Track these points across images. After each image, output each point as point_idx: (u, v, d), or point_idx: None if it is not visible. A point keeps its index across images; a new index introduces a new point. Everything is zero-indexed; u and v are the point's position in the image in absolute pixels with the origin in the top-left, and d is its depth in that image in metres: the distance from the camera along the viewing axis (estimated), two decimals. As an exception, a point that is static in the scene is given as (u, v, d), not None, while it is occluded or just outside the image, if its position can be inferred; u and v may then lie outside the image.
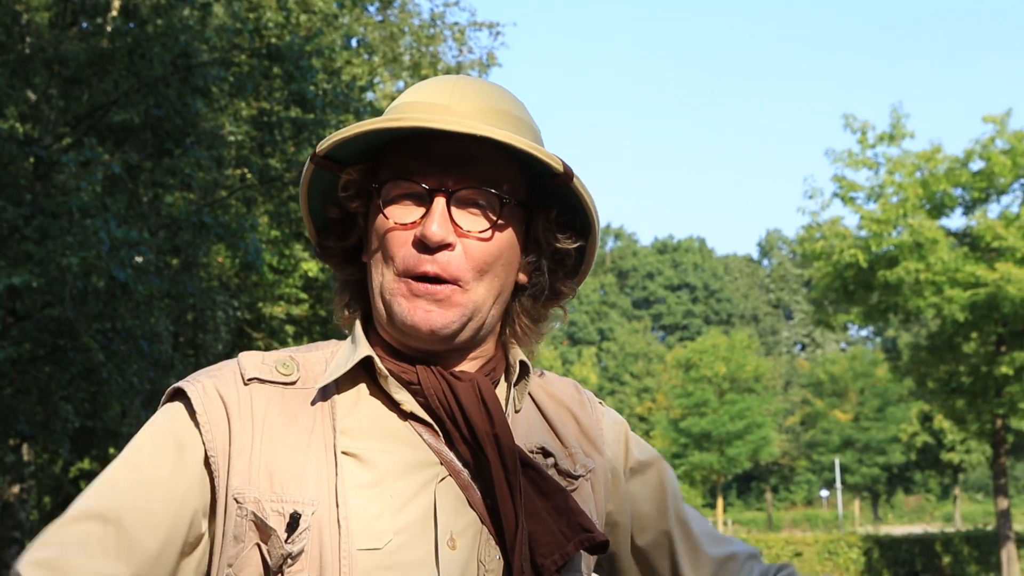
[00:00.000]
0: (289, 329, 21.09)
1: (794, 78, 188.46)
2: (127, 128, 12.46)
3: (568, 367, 73.39)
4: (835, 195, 33.20)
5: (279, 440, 1.75)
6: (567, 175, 1.79)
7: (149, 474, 1.73)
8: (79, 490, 21.11)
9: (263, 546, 1.70)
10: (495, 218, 1.78)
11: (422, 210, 1.76)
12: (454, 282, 1.75)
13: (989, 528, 37.88)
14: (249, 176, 17.31)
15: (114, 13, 14.01)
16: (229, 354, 20.11)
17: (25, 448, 15.58)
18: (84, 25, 13.27)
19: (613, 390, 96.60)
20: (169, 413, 1.79)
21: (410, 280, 1.75)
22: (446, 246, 1.74)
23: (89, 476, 21.28)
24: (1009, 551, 33.91)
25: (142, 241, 10.53)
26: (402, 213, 1.77)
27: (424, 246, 1.73)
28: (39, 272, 9.77)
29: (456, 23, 24.24)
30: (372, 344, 1.82)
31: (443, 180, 1.76)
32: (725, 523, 78.36)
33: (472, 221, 1.77)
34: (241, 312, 18.73)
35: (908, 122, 33.89)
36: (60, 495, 21.06)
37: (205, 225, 12.58)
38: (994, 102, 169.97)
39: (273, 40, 15.08)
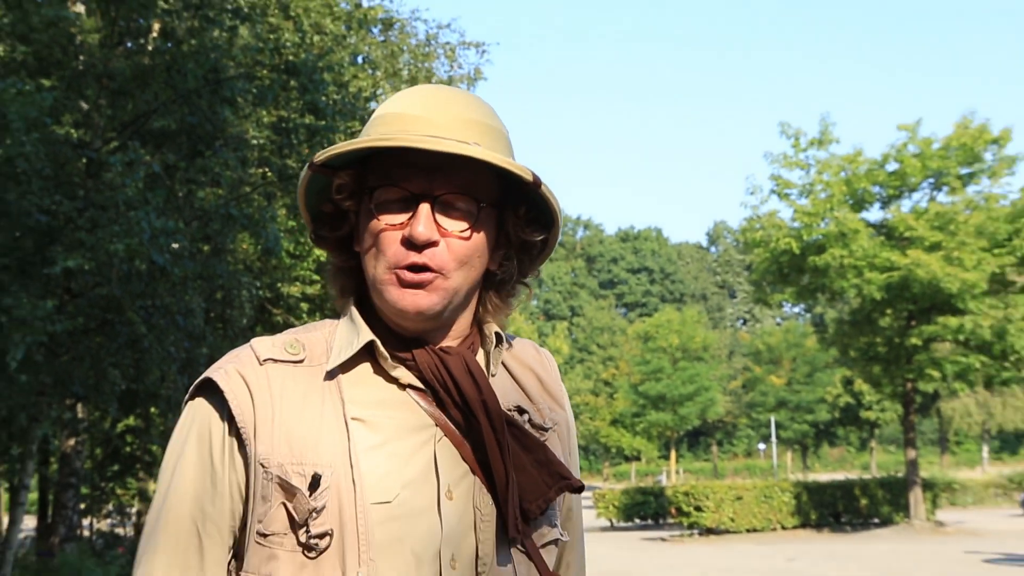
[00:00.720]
0: (304, 306, 21.08)
1: (740, 90, 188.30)
2: (165, 133, 12.44)
3: (544, 339, 73.29)
4: (772, 192, 33.25)
5: (295, 411, 1.76)
6: (535, 183, 1.81)
7: (204, 479, 1.78)
8: (125, 443, 21.21)
9: (288, 504, 1.72)
10: (473, 219, 1.79)
11: (409, 213, 1.77)
12: (438, 271, 1.77)
13: (899, 475, 37.96)
14: (269, 174, 17.29)
15: (154, 34, 13.98)
16: (252, 327, 20.16)
17: (79, 407, 15.56)
18: (129, 45, 13.23)
19: (582, 359, 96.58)
20: (198, 409, 1.82)
21: (399, 271, 1.76)
22: (431, 244, 1.76)
23: (134, 431, 21.26)
24: (916, 494, 34.06)
25: (178, 230, 10.52)
26: (391, 215, 1.78)
27: (412, 244, 1.75)
28: (90, 256, 9.77)
29: (448, 43, 24.20)
30: (370, 326, 1.84)
31: (427, 186, 1.77)
32: (678, 472, 78.46)
33: (453, 223, 1.78)
34: (263, 291, 18.72)
35: (834, 129, 33.97)
36: (109, 447, 21.02)
37: (232, 216, 12.56)
38: (907, 112, 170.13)
39: (290, 57, 15.05)
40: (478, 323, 1.93)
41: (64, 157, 10.72)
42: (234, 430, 1.77)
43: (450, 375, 1.82)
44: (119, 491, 21.46)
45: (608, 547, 29.78)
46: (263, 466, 1.73)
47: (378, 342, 1.81)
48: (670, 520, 38.04)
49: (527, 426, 1.89)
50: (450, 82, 23.78)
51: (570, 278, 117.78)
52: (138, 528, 21.80)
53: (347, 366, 1.83)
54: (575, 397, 78.38)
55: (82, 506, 18.62)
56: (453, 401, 1.82)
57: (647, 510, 40.72)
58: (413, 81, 23.11)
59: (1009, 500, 48.69)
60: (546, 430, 1.94)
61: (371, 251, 1.80)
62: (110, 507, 21.20)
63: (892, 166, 32.53)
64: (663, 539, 33.63)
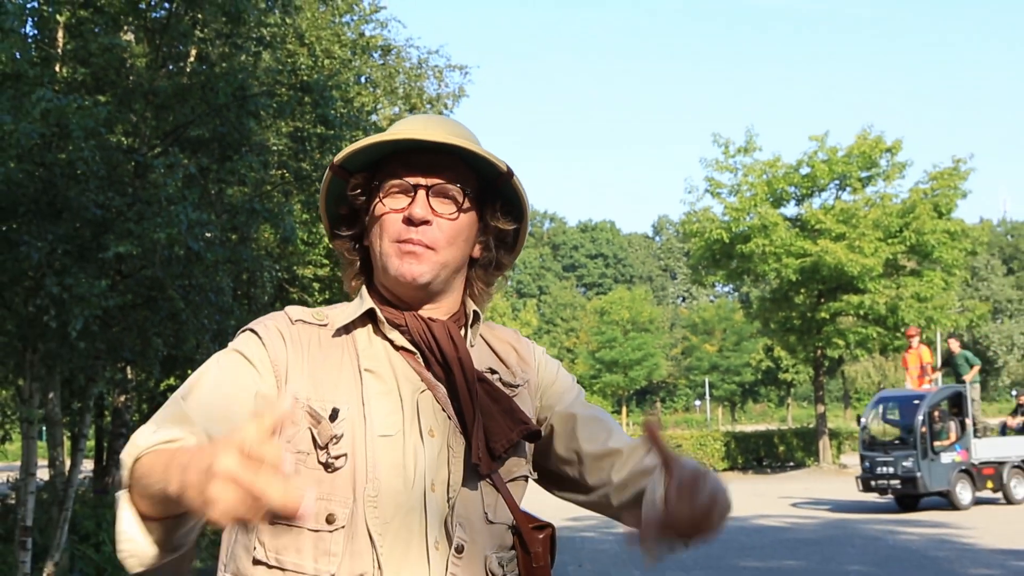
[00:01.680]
0: (316, 285, 21.05)
1: (681, 105, 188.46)
2: (200, 141, 12.41)
3: (516, 313, 73.26)
4: (706, 191, 33.40)
5: (319, 362, 1.85)
6: (509, 173, 1.92)
7: (222, 367, 1.83)
8: (166, 399, 21.11)
9: (314, 429, 1.78)
10: (459, 205, 1.89)
11: (408, 199, 1.87)
12: (431, 246, 1.86)
13: (811, 426, 38.22)
14: (287, 175, 17.25)
15: (192, 59, 13.93)
16: (273, 304, 20.11)
17: (128, 369, 15.55)
18: (170, 67, 13.19)
19: (548, 330, 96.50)
20: (240, 339, 1.88)
21: (399, 244, 1.86)
22: (425, 222, 1.85)
23: (173, 390, 21.21)
24: (824, 442, 34.35)
25: (210, 222, 10.53)
26: (394, 201, 1.88)
27: (410, 222, 1.85)
28: (138, 244, 9.76)
29: (436, 65, 24.11)
30: (373, 300, 1.92)
31: (422, 179, 1.87)
32: (628, 424, 78.58)
33: (444, 207, 1.88)
34: (281, 273, 18.68)
35: (758, 139, 34.09)
36: (153, 403, 20.95)
37: (255, 211, 12.56)
38: (817, 125, 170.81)
39: (304, 78, 15.01)
40: (464, 305, 2.00)
41: (116, 161, 10.71)
42: (269, 365, 1.82)
43: (434, 338, 1.89)
44: (162, 440, 21.45)
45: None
46: (296, 397, 1.79)
47: (377, 309, 1.89)
48: (621, 464, 38.16)
49: (498, 383, 1.95)
50: (438, 99, 23.73)
51: (538, 262, 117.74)
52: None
53: (356, 329, 1.90)
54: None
55: (131, 452, 18.58)
56: (436, 359, 1.89)
57: (602, 455, 40.80)
58: (407, 97, 23.07)
59: (901, 447, 48.94)
60: (516, 387, 2.00)
61: (376, 231, 1.89)
62: (154, 453, 21.16)
63: (805, 170, 32.70)
64: (615, 479, 33.76)
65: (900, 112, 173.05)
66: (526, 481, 2.00)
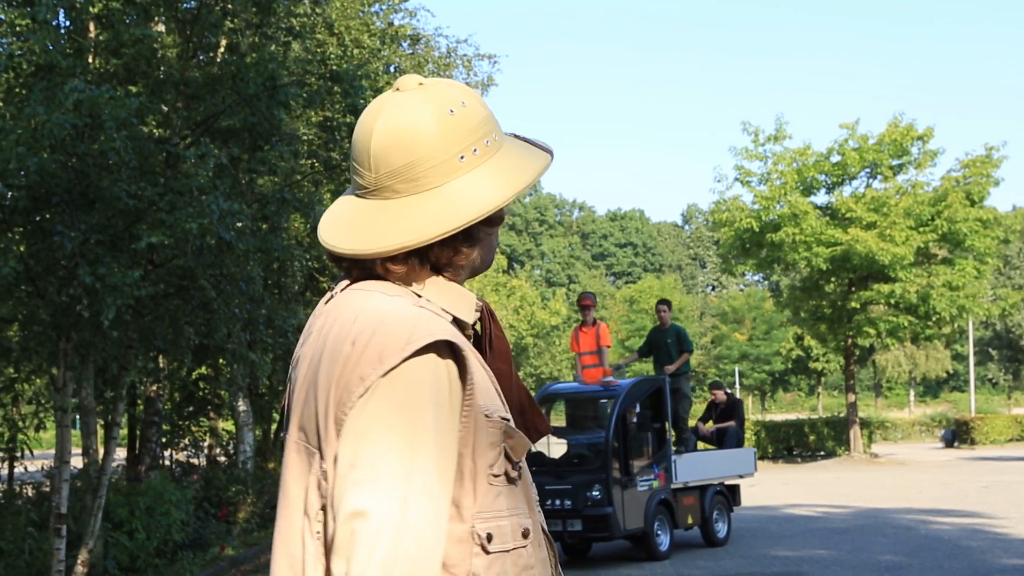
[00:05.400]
0: (345, 274, 21.11)
1: (711, 93, 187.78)
2: (231, 131, 12.45)
3: (546, 302, 73.16)
4: (736, 179, 33.28)
5: (479, 366, 1.71)
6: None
7: (447, 427, 1.60)
8: (198, 389, 21.35)
9: (506, 446, 1.68)
10: None
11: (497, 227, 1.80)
12: None
13: (841, 415, 38.01)
14: (317, 165, 17.32)
15: (222, 49, 14.01)
16: (303, 293, 20.22)
17: (161, 358, 15.65)
18: (201, 58, 13.26)
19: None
20: (441, 366, 1.61)
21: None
22: None
23: (205, 379, 21.34)
24: (855, 431, 34.18)
25: (241, 211, 10.55)
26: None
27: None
28: (169, 233, 9.82)
29: (465, 55, 24.13)
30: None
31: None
32: (656, 412, 78.38)
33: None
34: (311, 262, 18.74)
35: (787, 127, 33.88)
36: (185, 392, 21.11)
37: (286, 200, 12.60)
38: (848, 113, 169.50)
39: (334, 67, 15.04)
40: None
41: (148, 151, 10.76)
42: (465, 386, 1.64)
43: (493, 321, 1.86)
44: (193, 428, 21.55)
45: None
46: (487, 416, 1.66)
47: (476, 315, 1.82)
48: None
49: None
50: (467, 88, 23.74)
51: (567, 252, 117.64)
52: (210, 459, 21.92)
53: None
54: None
55: (163, 440, 18.73)
56: (486, 344, 1.84)
57: (631, 444, 40.80)
58: (436, 87, 23.10)
59: (931, 435, 48.76)
60: None
61: (487, 244, 1.80)
62: (186, 441, 21.28)
63: (835, 158, 32.55)
64: (644, 468, 33.70)
65: (932, 99, 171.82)
66: None
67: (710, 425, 16.54)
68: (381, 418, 1.54)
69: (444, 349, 1.61)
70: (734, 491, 15.54)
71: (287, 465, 1.66)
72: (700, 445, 16.01)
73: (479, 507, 1.64)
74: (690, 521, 14.18)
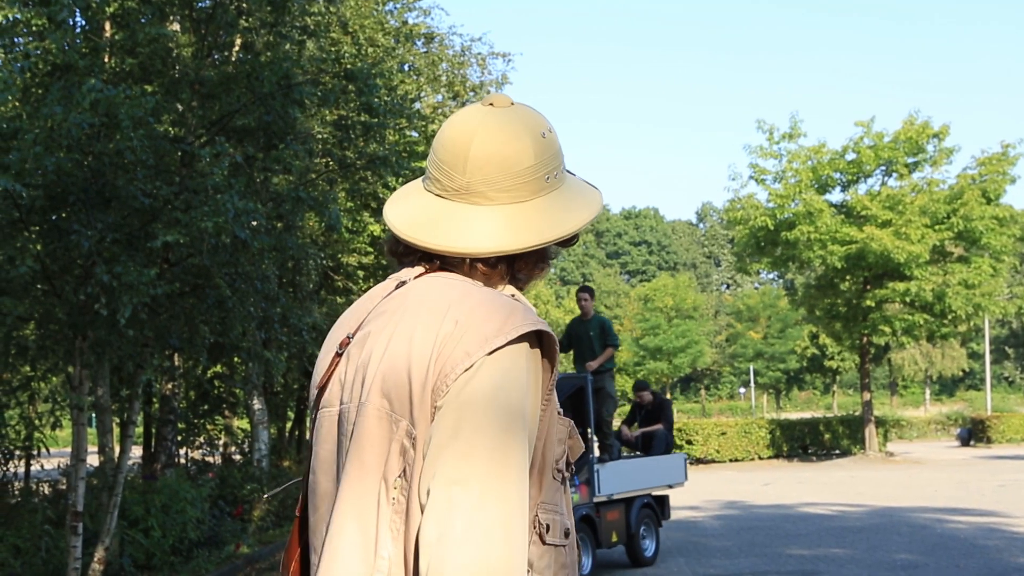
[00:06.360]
0: (360, 273, 21.14)
1: (724, 92, 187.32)
2: (245, 129, 12.48)
3: (560, 301, 73.12)
4: (751, 177, 33.24)
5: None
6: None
7: (533, 414, 1.67)
8: (214, 387, 21.38)
9: (568, 445, 1.80)
10: None
11: None
12: None
13: (856, 414, 37.92)
14: (331, 164, 17.33)
15: (237, 48, 14.02)
16: (318, 291, 20.26)
17: (176, 357, 15.68)
18: (216, 56, 13.28)
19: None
20: (534, 357, 1.69)
21: None
22: None
23: (220, 377, 21.38)
24: (870, 429, 34.09)
25: (256, 210, 10.57)
26: None
27: None
28: (185, 232, 9.83)
29: (479, 53, 24.10)
30: None
31: None
32: (675, 412, 78.29)
33: None
34: (326, 261, 18.79)
35: (802, 125, 33.85)
36: (200, 390, 21.15)
37: (300, 199, 12.61)
38: (863, 110, 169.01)
39: (348, 66, 15.06)
40: None
41: (163, 150, 10.79)
42: (551, 378, 1.72)
43: None
44: (208, 426, 21.58)
45: (613, 473, 29.76)
46: (559, 412, 1.77)
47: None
48: (665, 451, 38.10)
49: None
50: (481, 87, 23.71)
51: (582, 250, 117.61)
52: (225, 457, 21.96)
53: None
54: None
55: (179, 438, 18.77)
56: None
57: (646, 443, 40.81)
58: (450, 85, 23.11)
59: (947, 434, 48.65)
60: None
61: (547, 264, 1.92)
62: (201, 440, 21.31)
63: (850, 156, 32.47)
64: (659, 466, 33.67)
65: (948, 97, 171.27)
66: None
67: (635, 429, 14.67)
68: (484, 394, 1.60)
69: (535, 340, 1.69)
70: (663, 503, 13.63)
71: (365, 432, 1.68)
72: (624, 451, 14.41)
73: (543, 498, 1.72)
74: (615, 539, 12.57)
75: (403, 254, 1.88)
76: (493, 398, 1.60)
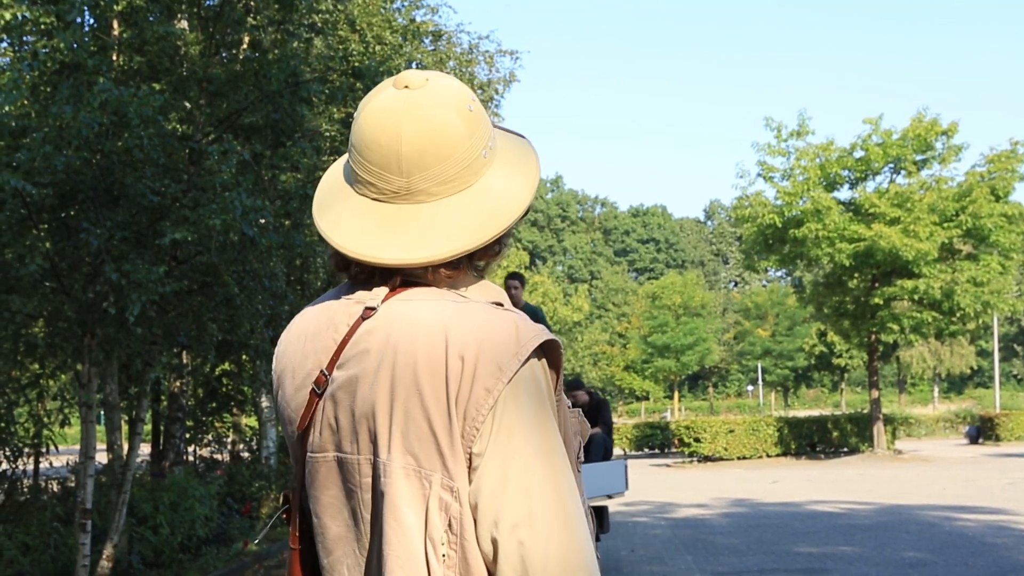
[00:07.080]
0: (368, 270, 21.15)
1: (732, 89, 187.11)
2: (253, 127, 12.49)
3: (568, 299, 73.16)
4: (759, 175, 33.19)
5: None
6: None
7: (555, 421, 1.63)
8: (222, 385, 21.40)
9: (580, 435, 1.83)
10: None
11: None
12: None
13: (865, 411, 37.85)
14: (339, 162, 17.32)
15: (245, 46, 14.05)
16: (325, 288, 20.23)
17: (184, 354, 15.70)
18: (224, 54, 13.29)
19: (600, 315, 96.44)
20: (540, 367, 1.63)
21: None
22: None
23: (229, 375, 21.40)
24: (879, 427, 34.03)
25: (264, 208, 10.58)
26: None
27: None
28: (193, 230, 9.85)
29: (487, 51, 24.14)
30: None
31: None
32: (680, 409, 78.41)
33: None
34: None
35: (810, 122, 33.77)
36: (208, 388, 21.18)
37: (308, 196, 12.62)
38: (871, 108, 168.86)
39: (356, 64, 15.08)
40: None
41: (172, 148, 10.80)
42: (558, 379, 1.67)
43: None
44: (217, 424, 21.61)
45: (621, 471, 29.79)
46: (569, 407, 1.78)
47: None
48: (674, 450, 38.19)
49: None
50: (489, 84, 23.72)
51: (590, 248, 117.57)
52: (233, 455, 21.99)
53: None
54: (594, 347, 78.56)
55: (187, 436, 18.81)
56: None
57: (655, 441, 40.93)
58: (458, 84, 23.10)
59: (955, 432, 48.53)
60: None
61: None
62: (209, 437, 21.34)
63: (859, 153, 32.40)
64: (668, 466, 33.73)
65: (956, 94, 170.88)
66: None
67: None
68: (517, 428, 1.55)
69: (540, 350, 1.62)
70: (601, 514, 11.45)
71: (396, 493, 1.59)
72: None
73: None
74: None
75: (354, 270, 1.75)
76: (527, 429, 1.55)
